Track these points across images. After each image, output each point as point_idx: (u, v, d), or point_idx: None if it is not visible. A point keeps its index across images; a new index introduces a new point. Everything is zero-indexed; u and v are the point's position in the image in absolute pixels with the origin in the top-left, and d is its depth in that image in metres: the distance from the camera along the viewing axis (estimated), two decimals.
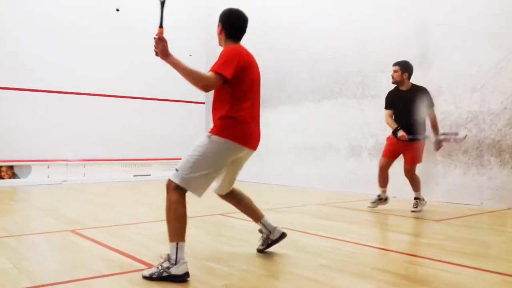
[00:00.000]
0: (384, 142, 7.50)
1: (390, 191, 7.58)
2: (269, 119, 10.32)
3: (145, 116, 11.38)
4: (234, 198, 3.62)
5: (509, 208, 6.03)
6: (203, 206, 5.99)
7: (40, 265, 3.25)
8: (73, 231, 4.45)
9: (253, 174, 10.40)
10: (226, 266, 3.18)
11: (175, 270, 2.80)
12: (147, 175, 11.33)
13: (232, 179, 3.48)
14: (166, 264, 2.84)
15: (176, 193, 2.96)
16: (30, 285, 2.74)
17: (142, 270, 3.06)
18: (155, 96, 11.65)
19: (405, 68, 5.82)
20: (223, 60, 3.09)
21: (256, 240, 4.03)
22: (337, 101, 8.78)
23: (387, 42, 7.83)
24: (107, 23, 10.83)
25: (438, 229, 4.81)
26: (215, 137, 3.04)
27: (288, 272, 3.02)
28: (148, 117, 11.43)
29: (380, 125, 7.89)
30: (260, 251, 3.59)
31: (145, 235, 4.28)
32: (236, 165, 3.36)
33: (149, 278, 2.84)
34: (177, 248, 2.85)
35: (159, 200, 7.36)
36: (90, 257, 3.49)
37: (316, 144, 9.16)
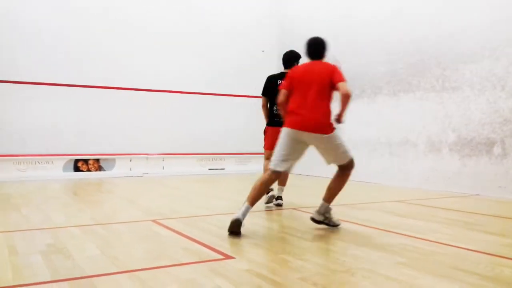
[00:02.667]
0: (468, 137, 7.12)
1: (473, 188, 7.18)
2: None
3: (219, 112, 11.64)
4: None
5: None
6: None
7: (125, 252, 3.45)
8: (154, 221, 4.67)
9: (326, 170, 10.31)
10: (301, 260, 3.18)
11: None
12: (221, 169, 11.60)
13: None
14: None
15: None
16: (116, 271, 2.92)
17: (219, 260, 3.16)
18: (230, 92, 11.88)
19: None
20: None
21: (330, 235, 4.01)
22: (415, 95, 8.45)
23: (469, 32, 7.40)
24: (183, 23, 11.18)
25: None
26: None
27: (364, 269, 2.97)
28: (223, 113, 11.68)
29: (462, 119, 7.50)
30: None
31: (220, 226, 4.38)
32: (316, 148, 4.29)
33: None
34: None
35: (233, 193, 7.56)
36: (171, 246, 3.64)
37: (392, 139, 8.88)
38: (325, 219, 4.34)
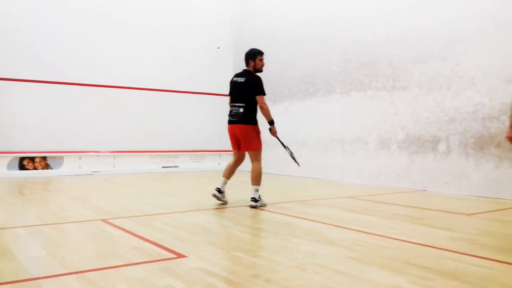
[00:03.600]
0: (416, 135, 7.40)
1: (420, 184, 7.47)
2: (297, 112, 10.29)
3: (173, 109, 11.50)
4: None
5: None
6: (231, 198, 6.04)
7: (73, 253, 3.34)
8: (104, 221, 4.55)
9: (281, 167, 10.41)
10: (254, 257, 3.19)
11: None
12: (175, 166, 11.47)
13: None
14: None
15: None
16: (64, 272, 2.82)
17: (171, 259, 3.11)
18: (185, 89, 11.76)
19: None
20: None
21: (283, 232, 4.04)
22: (367, 93, 8.66)
23: (418, 33, 7.67)
24: (138, 18, 10.97)
25: (469, 223, 4.71)
26: None
27: (316, 264, 3.01)
28: (176, 110, 11.55)
29: (410, 118, 7.77)
30: None
31: (173, 225, 4.34)
32: None
33: None
34: None
35: (187, 191, 7.48)
36: (121, 245, 3.56)
37: (345, 137, 9.08)
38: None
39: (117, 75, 10.64)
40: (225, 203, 5.78)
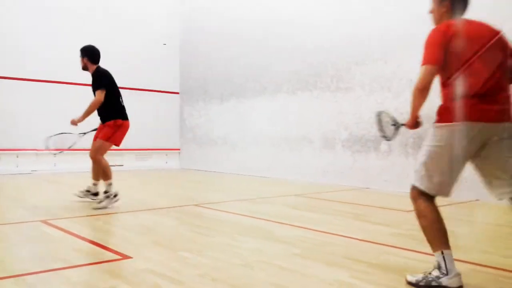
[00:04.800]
0: (359, 134, 7.65)
1: (363, 182, 7.73)
2: (245, 110, 10.34)
3: None
4: None
5: (477, 200, 6.21)
6: (178, 197, 5.98)
7: (11, 255, 3.20)
8: (44, 221, 4.37)
9: (229, 165, 10.42)
10: (200, 256, 3.19)
11: (446, 282, 2.54)
12: (120, 165, 11.19)
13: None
14: (436, 273, 2.59)
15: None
16: (1, 275, 2.69)
17: (115, 260, 3.04)
18: (130, 86, 11.48)
19: (84, 52, 5.79)
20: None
21: (230, 230, 4.06)
22: (312, 93, 8.84)
23: (361, 36, 7.92)
24: (81, 11, 10.61)
25: (407, 219, 4.92)
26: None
27: (261, 261, 3.05)
28: None
29: (353, 118, 8.01)
30: None
31: (117, 225, 4.25)
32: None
33: (415, 285, 2.60)
34: (443, 257, 2.58)
35: (132, 190, 7.33)
36: (62, 247, 3.44)
37: (291, 136, 9.22)
38: None
39: (57, 70, 10.22)
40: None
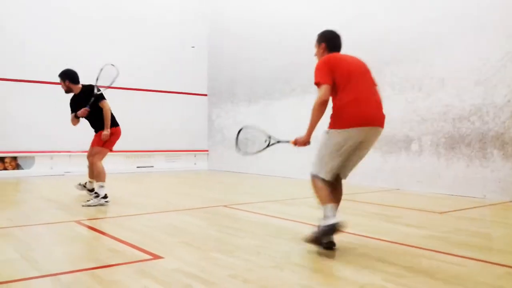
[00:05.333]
0: (389, 134, 7.55)
1: (393, 183, 7.61)
2: (273, 112, 10.33)
3: (148, 108, 11.38)
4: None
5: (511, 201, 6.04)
6: (207, 198, 6.02)
7: (46, 255, 3.27)
8: (78, 222, 4.47)
9: (257, 167, 10.43)
10: (231, 257, 3.19)
11: (323, 222, 3.28)
12: (150, 166, 11.36)
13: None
14: (321, 222, 3.32)
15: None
16: (37, 275, 2.76)
17: (146, 260, 3.08)
18: (159, 88, 11.65)
19: (65, 76, 6.15)
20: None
21: (261, 231, 4.06)
22: None
23: (392, 35, 7.80)
24: (112, 15, 10.81)
25: (441, 221, 4.82)
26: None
27: (293, 263, 3.04)
28: (151, 109, 11.44)
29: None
30: None
31: (149, 226, 4.29)
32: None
33: (313, 240, 3.33)
34: (324, 207, 3.38)
35: (162, 191, 7.42)
36: (95, 247, 3.51)
37: (319, 137, 9.13)
38: None
39: (90, 75, 10.43)
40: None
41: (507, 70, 6.35)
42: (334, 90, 3.60)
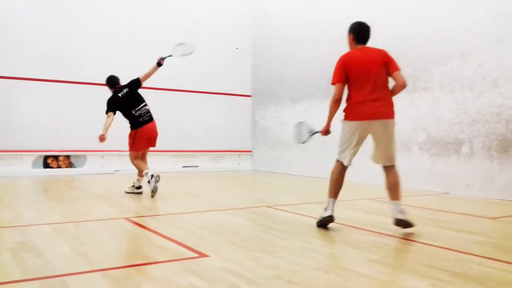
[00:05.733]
0: (438, 136, 7.34)
1: (442, 187, 7.39)
2: (316, 112, 10.26)
3: (192, 109, 11.58)
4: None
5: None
6: (251, 198, 6.07)
7: (97, 250, 3.40)
8: (127, 219, 4.62)
9: (301, 168, 10.40)
10: (275, 257, 3.20)
11: (322, 214, 4.22)
12: (195, 166, 11.55)
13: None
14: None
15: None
16: (88, 269, 2.87)
17: (193, 258, 3.14)
18: (203, 89, 11.82)
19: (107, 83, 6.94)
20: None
21: (304, 233, 4.06)
22: None
23: (440, 34, 7.58)
24: (156, 17, 11.08)
25: (494, 226, 4.64)
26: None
27: (338, 266, 3.01)
28: (196, 110, 11.63)
29: (431, 119, 7.67)
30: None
31: (195, 224, 4.37)
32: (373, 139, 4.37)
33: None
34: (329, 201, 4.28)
35: (207, 190, 7.54)
36: (144, 244, 3.61)
37: None
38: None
39: (133, 76, 10.74)
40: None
41: None
42: (349, 87, 4.23)
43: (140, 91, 6.93)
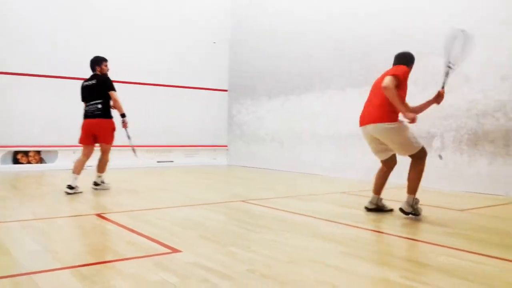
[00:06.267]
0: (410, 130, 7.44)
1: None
2: (293, 107, 10.30)
3: (168, 104, 11.46)
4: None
5: None
6: (226, 193, 6.05)
7: (67, 247, 3.33)
8: (98, 215, 4.54)
9: (277, 162, 10.43)
10: (248, 251, 3.20)
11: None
12: (170, 161, 11.45)
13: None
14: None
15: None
16: (58, 267, 2.81)
17: (165, 253, 3.11)
18: (179, 84, 11.71)
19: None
20: None
21: (278, 227, 4.07)
22: (362, 89, 8.66)
23: (414, 30, 7.68)
24: (132, 11, 10.91)
25: (463, 218, 4.75)
26: None
27: (310, 259, 3.03)
28: (171, 105, 11.51)
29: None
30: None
31: (168, 220, 4.34)
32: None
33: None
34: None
35: (181, 185, 7.48)
36: (115, 240, 3.56)
37: (339, 133, 9.09)
38: (412, 210, 4.61)
39: (111, 70, 10.54)
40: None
41: None
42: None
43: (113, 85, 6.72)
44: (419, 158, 4.64)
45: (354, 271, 2.78)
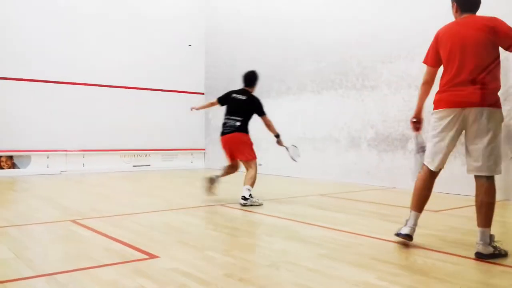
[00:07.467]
0: (385, 132, 7.54)
1: (389, 182, 7.63)
2: (269, 110, 10.32)
3: (144, 107, 11.35)
4: None
5: (508, 200, 6.05)
6: (203, 197, 6.02)
7: (41, 254, 3.27)
8: (73, 221, 4.46)
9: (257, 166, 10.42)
10: (226, 256, 3.19)
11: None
12: (147, 165, 11.34)
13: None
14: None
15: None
16: (32, 275, 2.76)
17: (142, 259, 3.08)
18: (155, 87, 11.62)
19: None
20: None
21: (256, 230, 4.07)
22: (337, 92, 8.77)
23: (388, 34, 7.81)
24: (108, 14, 10.79)
25: (437, 219, 4.84)
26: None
27: (288, 262, 3.04)
28: (148, 108, 11.41)
29: (380, 117, 7.90)
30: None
31: (145, 225, 4.29)
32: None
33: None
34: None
35: (159, 190, 7.41)
36: (91, 246, 3.50)
37: (316, 135, 9.16)
38: (494, 250, 3.28)
39: (85, 73, 10.42)
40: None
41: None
42: (443, 70, 3.51)
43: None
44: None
45: (332, 274, 2.80)
